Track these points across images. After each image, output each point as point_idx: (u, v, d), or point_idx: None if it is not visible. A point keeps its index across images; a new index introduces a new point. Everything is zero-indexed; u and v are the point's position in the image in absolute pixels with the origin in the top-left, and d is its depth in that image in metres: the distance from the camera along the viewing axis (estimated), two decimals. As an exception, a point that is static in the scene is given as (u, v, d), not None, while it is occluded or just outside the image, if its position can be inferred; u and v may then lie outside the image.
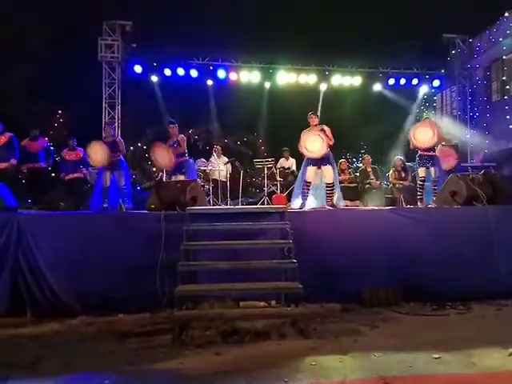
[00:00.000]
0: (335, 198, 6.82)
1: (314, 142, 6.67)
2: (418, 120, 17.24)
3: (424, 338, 4.11)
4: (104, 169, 7.68)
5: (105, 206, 7.49)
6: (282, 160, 10.14)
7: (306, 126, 6.99)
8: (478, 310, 5.08)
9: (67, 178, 8.56)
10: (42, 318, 4.80)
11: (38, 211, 6.54)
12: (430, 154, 7.40)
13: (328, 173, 6.75)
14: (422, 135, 7.31)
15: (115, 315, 4.93)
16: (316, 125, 6.89)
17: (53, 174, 10.19)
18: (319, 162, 6.74)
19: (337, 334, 4.26)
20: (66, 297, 4.98)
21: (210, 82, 13.09)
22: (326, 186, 6.79)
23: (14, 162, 7.70)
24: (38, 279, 4.99)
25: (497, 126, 13.03)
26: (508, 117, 12.63)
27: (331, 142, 6.76)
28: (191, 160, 8.26)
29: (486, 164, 9.64)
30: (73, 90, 14.64)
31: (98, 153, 7.53)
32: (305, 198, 6.81)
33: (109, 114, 12.03)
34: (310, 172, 6.78)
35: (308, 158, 6.81)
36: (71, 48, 14.83)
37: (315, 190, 7.16)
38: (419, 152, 7.47)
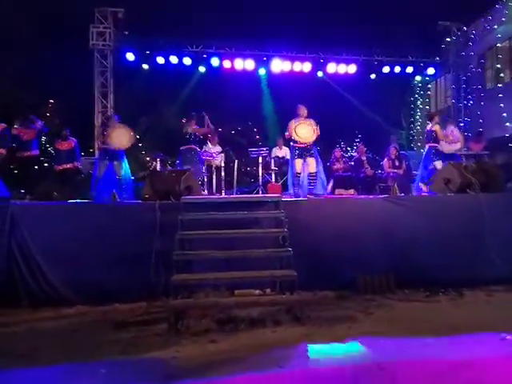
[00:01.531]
0: (318, 188, 7.13)
1: (306, 130, 6.94)
2: (412, 109, 17.37)
3: (417, 323, 4.17)
4: (102, 159, 7.63)
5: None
6: (275, 149, 10.09)
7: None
8: (471, 296, 5.15)
9: (59, 168, 8.48)
10: (37, 308, 4.79)
11: (30, 201, 6.49)
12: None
13: (312, 163, 7.08)
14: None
15: (111, 304, 4.93)
16: (306, 117, 7.10)
17: (46, 164, 10.11)
18: (304, 155, 7.08)
19: (331, 320, 4.30)
20: (60, 286, 4.98)
21: (203, 70, 12.95)
22: (309, 176, 7.08)
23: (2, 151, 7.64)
24: (33, 269, 4.98)
25: (491, 113, 13.06)
26: (502, 105, 12.66)
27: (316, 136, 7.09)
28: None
29: (479, 152, 9.69)
30: (64, 79, 14.47)
31: (122, 136, 7.51)
32: (297, 188, 7.02)
33: (101, 102, 11.89)
34: (298, 164, 7.08)
35: (295, 151, 7.10)
36: (62, 36, 14.64)
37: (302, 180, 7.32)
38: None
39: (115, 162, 7.67)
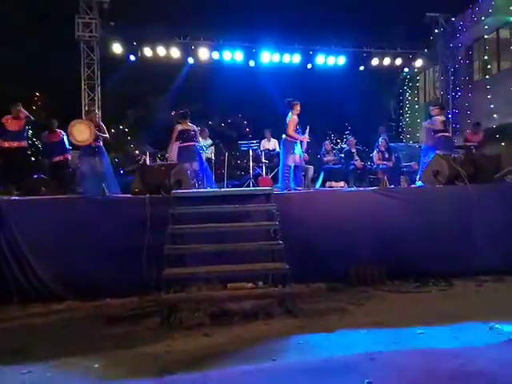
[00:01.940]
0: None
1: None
2: (401, 101, 17.46)
3: (408, 314, 4.23)
4: (86, 154, 7.47)
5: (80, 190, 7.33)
6: (264, 141, 10.03)
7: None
8: (460, 286, 5.23)
9: (52, 161, 8.28)
10: (27, 304, 4.75)
11: (18, 196, 6.38)
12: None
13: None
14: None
15: (102, 299, 4.91)
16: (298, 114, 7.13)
17: (33, 158, 9.93)
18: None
19: (323, 312, 4.34)
20: (51, 282, 4.94)
21: (191, 61, 12.80)
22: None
23: None
24: (22, 265, 4.92)
25: (478, 105, 13.18)
26: (489, 96, 12.77)
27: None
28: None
29: (467, 144, 9.79)
30: (50, 72, 14.18)
31: (83, 132, 7.24)
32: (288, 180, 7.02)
33: (88, 95, 11.69)
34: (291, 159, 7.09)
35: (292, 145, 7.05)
36: (47, 27, 14.32)
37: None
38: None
39: (96, 158, 7.49)
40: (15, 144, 7.54)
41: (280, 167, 7.34)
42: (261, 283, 5.09)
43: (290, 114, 7.06)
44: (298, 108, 7.07)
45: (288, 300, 4.44)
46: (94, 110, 8.26)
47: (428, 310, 4.37)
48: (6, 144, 7.48)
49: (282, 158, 7.24)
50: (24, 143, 7.78)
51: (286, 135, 7.09)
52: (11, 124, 7.57)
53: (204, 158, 8.19)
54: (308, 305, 4.58)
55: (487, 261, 5.47)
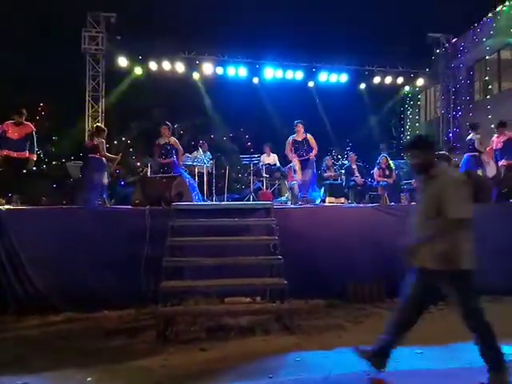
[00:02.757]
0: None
1: None
2: (402, 119, 17.57)
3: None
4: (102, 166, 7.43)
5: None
6: (263, 156, 10.04)
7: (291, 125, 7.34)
8: (459, 305, 5.18)
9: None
10: (24, 315, 4.72)
11: (18, 206, 6.37)
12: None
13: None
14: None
15: (99, 311, 4.88)
16: (302, 133, 7.58)
17: (34, 168, 9.92)
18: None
19: (321, 329, 4.31)
20: (48, 293, 4.91)
21: (196, 76, 12.95)
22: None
23: None
24: (20, 275, 4.90)
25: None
26: (490, 116, 12.85)
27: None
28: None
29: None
30: (55, 83, 14.35)
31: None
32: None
33: (92, 107, 11.80)
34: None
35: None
36: (54, 39, 14.54)
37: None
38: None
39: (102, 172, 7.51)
40: (15, 154, 6.93)
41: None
42: (259, 298, 5.06)
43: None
44: (297, 129, 7.55)
45: (286, 316, 4.40)
46: (105, 130, 8.23)
47: (427, 329, 4.28)
48: (5, 152, 6.88)
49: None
50: (25, 154, 7.09)
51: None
52: (12, 132, 6.97)
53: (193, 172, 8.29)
54: (306, 321, 4.55)
55: (485, 281, 5.41)
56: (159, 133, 7.94)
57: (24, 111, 7.18)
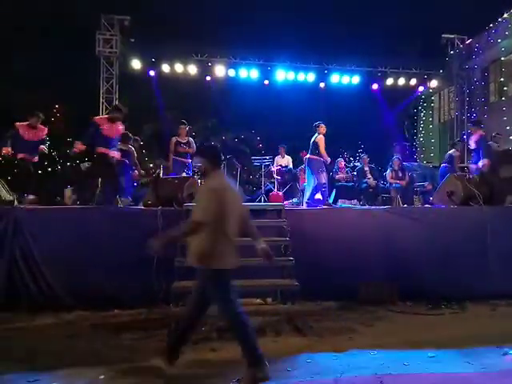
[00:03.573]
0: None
1: None
2: (415, 120, 17.40)
3: (419, 336, 4.14)
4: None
5: None
6: (277, 158, 10.08)
7: (306, 126, 7.21)
8: (473, 309, 5.12)
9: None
10: (36, 312, 4.78)
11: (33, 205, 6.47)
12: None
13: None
14: None
15: (111, 310, 4.92)
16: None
17: (49, 169, 10.08)
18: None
19: (333, 331, 4.28)
20: (61, 291, 4.97)
21: (208, 78, 13.03)
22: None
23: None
24: (34, 273, 4.97)
25: (494, 127, 13.05)
26: (505, 118, 12.66)
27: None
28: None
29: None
30: (70, 84, 14.56)
31: None
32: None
33: (106, 109, 11.93)
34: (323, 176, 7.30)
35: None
36: (68, 42, 14.77)
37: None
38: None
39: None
40: (30, 157, 6.88)
41: (311, 185, 7.30)
42: (270, 300, 5.05)
43: (316, 134, 7.24)
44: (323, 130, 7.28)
45: (297, 318, 4.38)
46: (138, 139, 8.31)
47: (440, 333, 4.27)
48: (21, 155, 6.77)
49: (311, 176, 7.29)
50: (36, 159, 7.06)
51: (315, 154, 7.23)
52: (28, 134, 6.85)
53: None
54: (317, 323, 4.52)
55: (501, 284, 5.35)
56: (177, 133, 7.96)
57: (41, 115, 7.08)
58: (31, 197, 6.77)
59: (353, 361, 3.54)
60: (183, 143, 7.87)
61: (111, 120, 6.46)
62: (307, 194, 7.29)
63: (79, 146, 6.28)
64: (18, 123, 6.89)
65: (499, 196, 6.08)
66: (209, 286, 3.27)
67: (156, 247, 3.20)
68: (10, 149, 6.69)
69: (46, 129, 7.23)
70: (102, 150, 6.27)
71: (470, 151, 7.88)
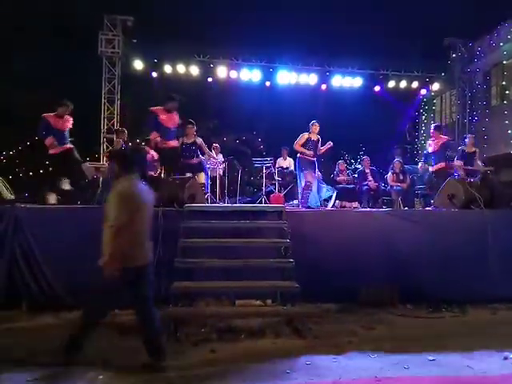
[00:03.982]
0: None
1: None
2: (417, 123, 17.39)
3: (419, 340, 4.13)
4: None
5: None
6: (279, 159, 10.10)
7: (307, 128, 7.37)
8: (474, 313, 5.10)
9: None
10: (37, 312, 4.78)
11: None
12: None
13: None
14: None
15: (111, 310, 4.90)
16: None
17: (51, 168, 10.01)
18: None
19: (332, 334, 4.27)
20: (62, 290, 4.97)
21: (210, 80, 13.04)
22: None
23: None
24: (35, 272, 4.97)
25: (495, 130, 13.06)
26: (507, 122, 12.66)
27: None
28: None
29: (484, 168, 9.64)
30: (72, 85, 14.57)
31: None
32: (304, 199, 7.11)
33: (108, 109, 11.98)
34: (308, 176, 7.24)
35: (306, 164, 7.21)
36: (71, 42, 14.80)
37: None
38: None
39: None
40: (60, 148, 6.56)
41: (300, 186, 7.44)
42: (269, 301, 5.05)
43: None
44: (313, 129, 7.26)
45: (296, 320, 4.38)
46: (124, 131, 8.33)
47: (440, 336, 4.26)
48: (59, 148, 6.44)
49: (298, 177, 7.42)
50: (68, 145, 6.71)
51: (300, 153, 7.30)
52: (56, 123, 6.57)
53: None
54: (317, 325, 4.51)
55: (502, 288, 5.33)
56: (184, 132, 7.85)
57: (69, 104, 6.85)
58: (67, 186, 6.63)
59: (352, 363, 3.53)
60: (188, 144, 7.78)
61: (168, 110, 6.42)
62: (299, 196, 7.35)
63: (155, 137, 6.28)
64: (45, 114, 6.67)
65: (500, 200, 6.07)
66: (128, 284, 3.43)
67: (109, 273, 3.35)
68: (53, 139, 6.47)
69: (72, 119, 7.04)
70: (171, 143, 6.32)
71: (428, 153, 8.04)
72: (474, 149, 8.19)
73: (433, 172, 7.92)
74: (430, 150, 7.88)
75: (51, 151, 6.63)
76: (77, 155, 6.79)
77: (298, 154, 7.45)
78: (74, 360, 3.40)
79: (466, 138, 8.50)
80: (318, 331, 4.32)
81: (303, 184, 7.21)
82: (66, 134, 6.80)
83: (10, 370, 3.34)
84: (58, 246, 5.04)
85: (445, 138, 7.93)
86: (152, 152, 7.46)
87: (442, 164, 7.63)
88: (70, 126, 6.91)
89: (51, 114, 6.68)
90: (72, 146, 6.83)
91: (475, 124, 13.90)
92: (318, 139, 7.58)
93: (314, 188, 7.32)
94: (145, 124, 6.40)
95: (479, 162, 8.23)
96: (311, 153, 7.37)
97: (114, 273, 3.31)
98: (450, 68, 13.75)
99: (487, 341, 4.04)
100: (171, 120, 6.43)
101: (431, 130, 7.99)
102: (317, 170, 7.58)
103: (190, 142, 7.74)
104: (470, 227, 5.65)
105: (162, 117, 6.35)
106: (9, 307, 4.80)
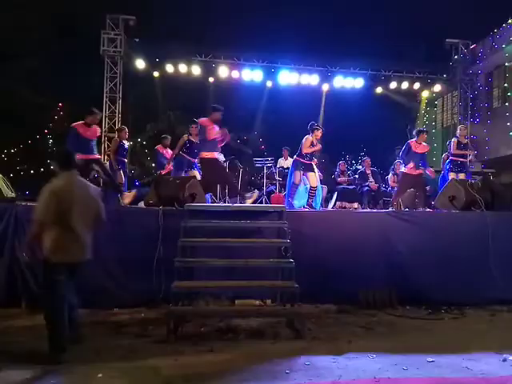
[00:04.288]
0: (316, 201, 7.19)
1: None
2: (418, 125, 17.37)
3: (418, 341, 4.12)
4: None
5: None
6: (280, 160, 10.11)
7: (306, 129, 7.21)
8: (473, 315, 5.10)
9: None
10: (36, 310, 4.77)
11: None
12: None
13: (313, 178, 7.06)
14: None
15: (111, 309, 4.92)
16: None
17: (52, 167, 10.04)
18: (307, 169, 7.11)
19: (331, 334, 4.27)
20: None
21: (211, 80, 13.05)
22: (310, 189, 7.05)
23: None
24: (34, 270, 4.97)
25: (497, 132, 13.05)
26: (508, 124, 12.64)
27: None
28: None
29: (485, 170, 9.66)
30: (73, 83, 14.62)
31: None
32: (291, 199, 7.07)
33: (109, 108, 11.98)
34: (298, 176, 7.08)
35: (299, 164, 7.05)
36: (73, 41, 14.84)
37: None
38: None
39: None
40: (90, 156, 6.55)
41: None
42: (269, 301, 5.05)
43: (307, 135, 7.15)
44: (317, 133, 7.10)
45: (296, 320, 4.38)
46: (125, 128, 8.36)
47: (439, 338, 4.26)
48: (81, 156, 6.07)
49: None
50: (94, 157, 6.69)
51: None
52: (85, 132, 6.48)
53: None
54: (316, 326, 4.51)
55: (502, 290, 5.33)
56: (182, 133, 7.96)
57: (97, 112, 6.76)
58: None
59: (351, 364, 3.53)
60: (193, 142, 7.80)
61: (214, 121, 6.48)
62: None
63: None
64: (74, 124, 6.60)
65: (501, 201, 6.06)
66: (47, 276, 3.55)
67: (26, 252, 3.59)
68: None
69: (99, 128, 7.02)
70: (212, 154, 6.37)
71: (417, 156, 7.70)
72: (466, 140, 8.28)
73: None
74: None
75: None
76: (104, 165, 6.87)
77: (296, 157, 7.24)
78: (64, 359, 3.43)
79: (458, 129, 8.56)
80: (317, 332, 4.32)
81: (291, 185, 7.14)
82: (94, 143, 6.79)
83: (9, 367, 3.34)
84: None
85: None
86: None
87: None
88: (98, 135, 6.94)
89: (80, 122, 6.60)
90: (99, 156, 6.88)
91: (477, 126, 13.89)
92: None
93: (301, 188, 7.27)
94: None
95: (471, 154, 8.37)
96: (319, 147, 7.19)
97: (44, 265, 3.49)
98: (452, 69, 13.74)
99: (486, 342, 4.04)
100: (214, 132, 6.44)
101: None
102: (318, 171, 7.50)
103: (195, 141, 7.80)
104: (470, 229, 5.64)
105: (210, 129, 6.43)
106: (8, 306, 4.81)
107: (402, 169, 7.68)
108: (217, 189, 7.40)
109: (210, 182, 6.56)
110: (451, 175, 7.93)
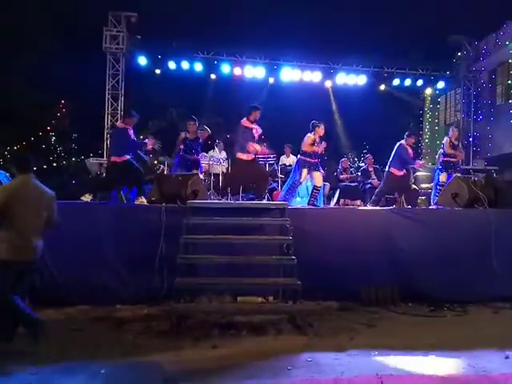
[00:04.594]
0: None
1: None
2: (421, 122, 17.33)
3: (421, 338, 4.12)
4: None
5: None
6: (282, 157, 10.09)
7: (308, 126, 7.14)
8: (476, 312, 5.09)
9: None
10: (39, 307, 4.78)
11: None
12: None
13: (318, 177, 7.02)
14: None
15: (113, 305, 4.93)
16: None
17: (54, 164, 10.08)
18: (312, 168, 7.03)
19: (333, 331, 4.27)
20: (64, 285, 4.98)
21: (213, 77, 13.03)
22: (314, 189, 7.01)
23: None
24: (37, 267, 4.98)
25: (500, 129, 12.99)
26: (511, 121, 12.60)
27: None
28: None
29: (488, 167, 9.62)
30: (76, 81, 14.61)
31: None
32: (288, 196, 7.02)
33: (111, 105, 11.98)
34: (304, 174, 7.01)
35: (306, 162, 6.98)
36: (75, 38, 14.84)
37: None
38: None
39: None
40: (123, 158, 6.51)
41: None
42: (271, 298, 5.05)
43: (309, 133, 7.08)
44: (318, 131, 7.03)
45: (298, 317, 4.38)
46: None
47: (442, 335, 4.25)
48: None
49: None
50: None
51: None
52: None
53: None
54: (318, 322, 4.52)
55: (504, 287, 5.32)
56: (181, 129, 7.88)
57: (135, 114, 6.86)
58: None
59: (354, 361, 3.53)
60: (191, 140, 7.78)
61: (254, 121, 6.79)
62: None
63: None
64: (118, 123, 6.81)
65: (504, 199, 6.04)
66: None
67: None
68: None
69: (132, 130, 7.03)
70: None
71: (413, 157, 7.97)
72: (456, 142, 8.38)
73: None
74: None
75: (113, 159, 6.65)
76: (136, 165, 6.72)
77: (300, 156, 7.17)
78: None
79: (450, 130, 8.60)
80: (319, 328, 4.33)
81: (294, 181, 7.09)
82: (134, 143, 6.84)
83: (13, 363, 3.36)
84: (60, 242, 5.04)
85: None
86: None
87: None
88: (132, 137, 6.90)
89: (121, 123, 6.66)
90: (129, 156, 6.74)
91: (480, 123, 13.83)
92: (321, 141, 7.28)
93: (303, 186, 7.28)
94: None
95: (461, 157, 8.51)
96: (323, 146, 7.11)
97: None
98: (455, 66, 13.68)
99: (489, 340, 4.03)
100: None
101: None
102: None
103: (192, 138, 7.79)
104: (473, 226, 5.63)
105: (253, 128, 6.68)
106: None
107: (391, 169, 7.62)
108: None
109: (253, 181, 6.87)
110: (442, 176, 7.97)
